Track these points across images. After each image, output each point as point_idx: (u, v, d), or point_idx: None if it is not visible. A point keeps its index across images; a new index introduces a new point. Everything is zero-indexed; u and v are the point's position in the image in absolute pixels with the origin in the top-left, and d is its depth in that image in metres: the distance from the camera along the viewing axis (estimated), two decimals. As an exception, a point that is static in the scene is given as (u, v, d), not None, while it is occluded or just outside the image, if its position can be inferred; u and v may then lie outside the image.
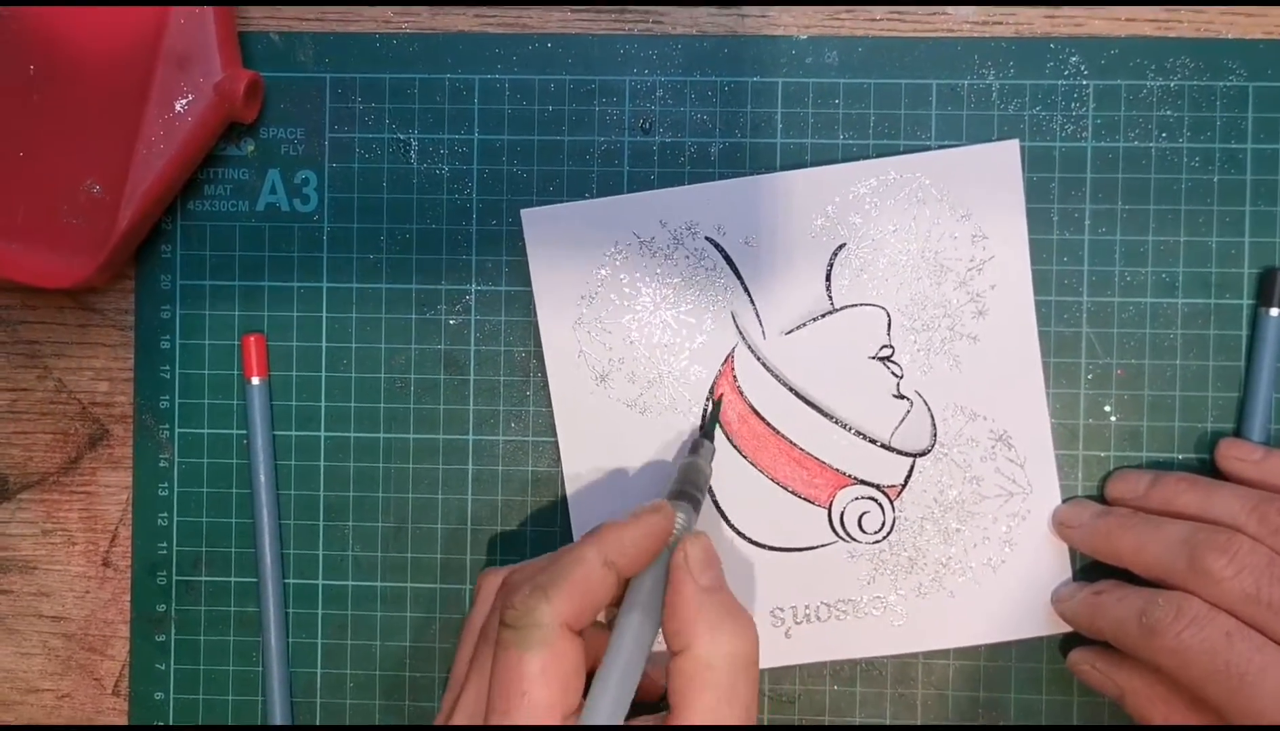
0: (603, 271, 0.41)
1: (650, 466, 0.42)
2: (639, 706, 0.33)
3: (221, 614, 0.43)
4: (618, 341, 0.42)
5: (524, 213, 0.41)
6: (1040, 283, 0.41)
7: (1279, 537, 0.35)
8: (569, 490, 0.42)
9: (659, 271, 0.41)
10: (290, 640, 0.43)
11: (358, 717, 0.43)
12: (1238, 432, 0.41)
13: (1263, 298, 0.41)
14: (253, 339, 0.42)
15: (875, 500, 0.41)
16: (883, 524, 0.41)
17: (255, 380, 0.42)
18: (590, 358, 0.42)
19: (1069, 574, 0.41)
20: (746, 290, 0.41)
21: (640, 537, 0.34)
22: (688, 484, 0.38)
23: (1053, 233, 0.41)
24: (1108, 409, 0.41)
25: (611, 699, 0.32)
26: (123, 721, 0.43)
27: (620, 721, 0.32)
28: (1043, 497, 0.41)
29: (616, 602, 0.35)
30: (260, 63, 0.42)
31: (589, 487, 0.42)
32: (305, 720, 0.43)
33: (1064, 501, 0.41)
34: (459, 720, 0.34)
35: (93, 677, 0.44)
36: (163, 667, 0.43)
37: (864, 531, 0.41)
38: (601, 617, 0.34)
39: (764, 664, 0.39)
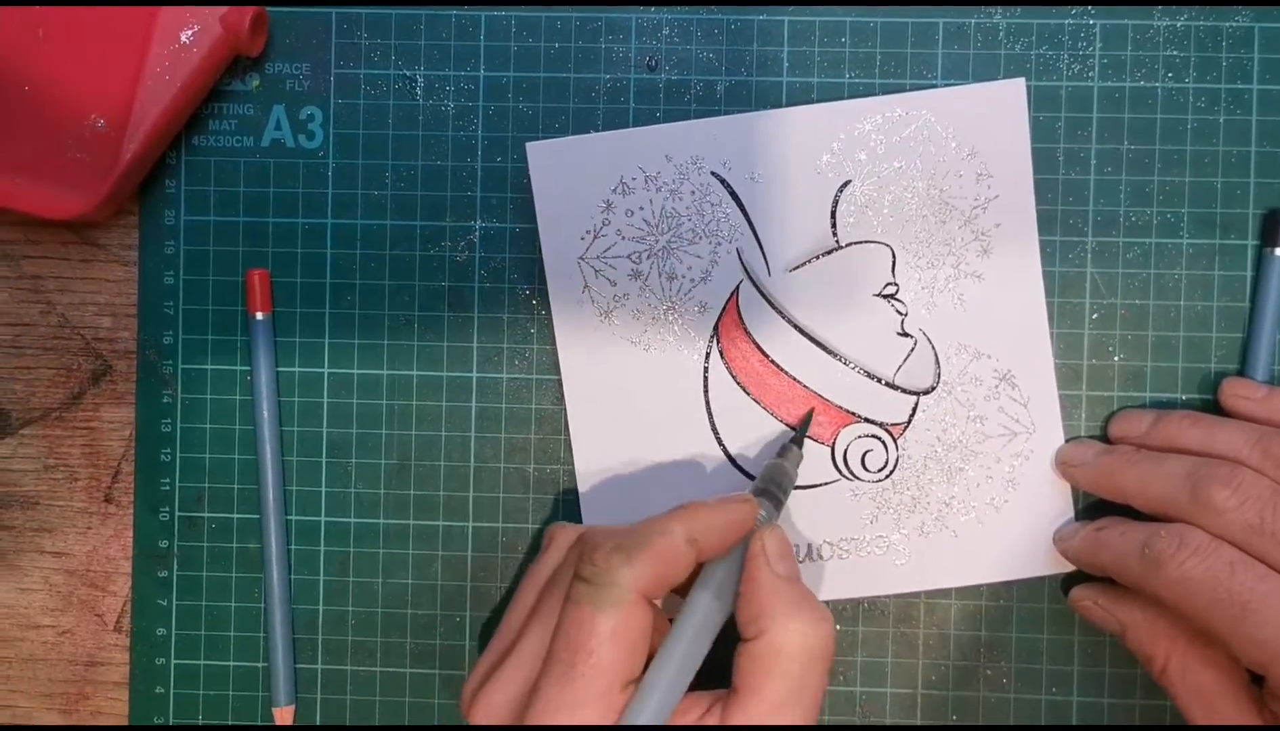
0: (608, 207, 0.41)
1: (654, 403, 0.42)
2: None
3: (224, 550, 0.43)
4: (622, 277, 0.42)
5: (529, 146, 0.41)
6: (1045, 222, 0.41)
7: None
8: (572, 427, 0.42)
9: (664, 207, 0.41)
10: (292, 576, 0.43)
11: (359, 654, 0.43)
12: (1241, 372, 0.41)
13: (1267, 238, 0.41)
14: (257, 274, 0.42)
15: (879, 438, 0.41)
16: (886, 462, 0.41)
17: (259, 315, 0.42)
18: (594, 293, 0.42)
19: (1071, 513, 0.41)
20: (752, 226, 0.41)
21: (725, 523, 0.35)
22: (771, 483, 0.38)
23: (1058, 172, 0.41)
24: (1111, 349, 0.41)
25: (675, 670, 0.33)
26: (124, 658, 0.43)
27: (678, 696, 0.33)
28: (1046, 437, 0.41)
29: (683, 589, 0.35)
30: (266, -3, 0.42)
31: (593, 425, 0.42)
32: (306, 657, 0.43)
33: (1067, 441, 0.41)
34: (512, 667, 0.34)
35: (94, 613, 0.44)
36: (164, 603, 0.43)
37: (867, 469, 0.41)
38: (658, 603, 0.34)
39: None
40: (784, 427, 0.41)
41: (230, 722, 0.43)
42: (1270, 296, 0.41)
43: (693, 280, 0.41)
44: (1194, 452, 0.38)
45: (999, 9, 0.41)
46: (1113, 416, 0.41)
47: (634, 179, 0.41)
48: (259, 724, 0.43)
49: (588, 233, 0.41)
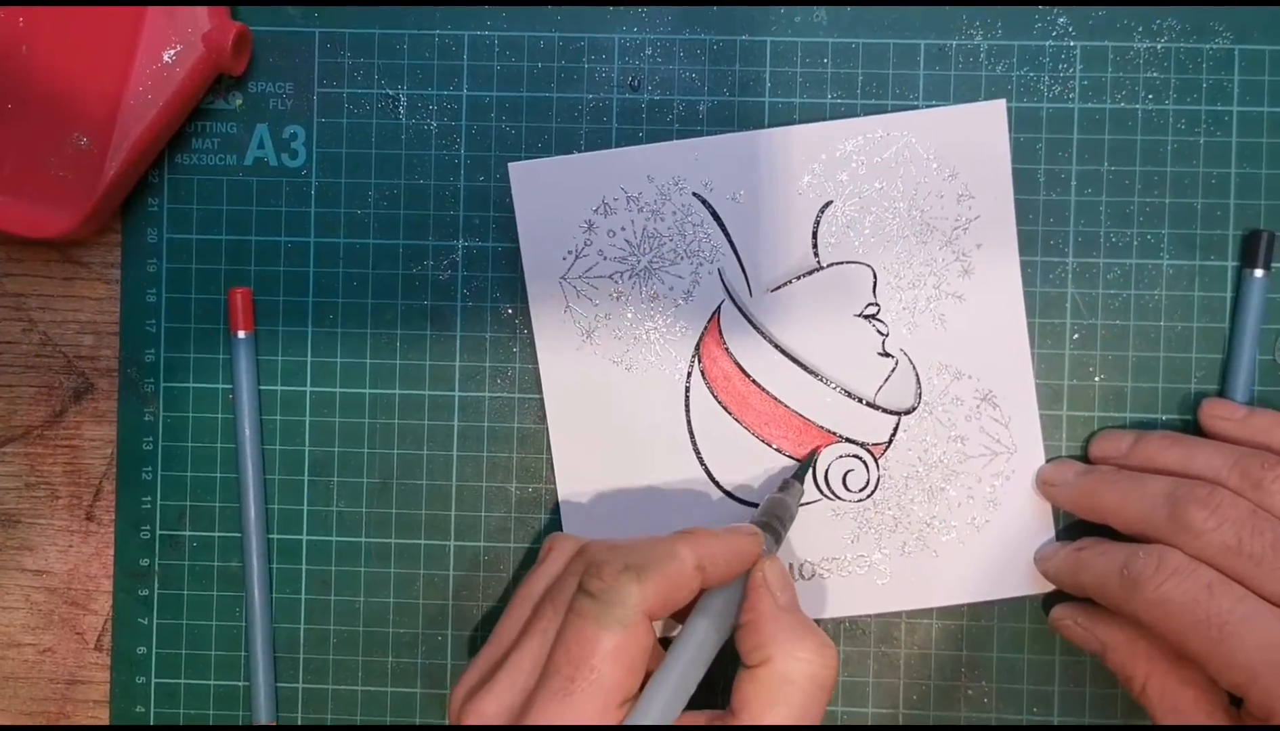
0: (589, 227, 0.41)
1: (635, 422, 0.42)
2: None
3: (205, 568, 0.43)
4: (604, 297, 0.42)
5: (511, 167, 0.41)
6: (1026, 243, 0.41)
7: (1260, 491, 0.36)
8: (554, 445, 0.42)
9: (646, 227, 0.41)
10: (274, 595, 0.43)
11: (340, 673, 0.43)
12: (1221, 393, 0.41)
13: (1247, 259, 0.41)
14: (239, 293, 0.42)
15: (860, 458, 0.41)
16: (867, 482, 0.41)
17: (241, 334, 0.42)
18: (576, 313, 0.42)
19: (1052, 533, 0.41)
20: (733, 247, 0.41)
21: (732, 552, 0.35)
22: (773, 517, 0.38)
23: (1039, 193, 0.42)
24: (1092, 369, 0.42)
25: (671, 691, 0.33)
26: (104, 677, 0.43)
27: (674, 717, 0.33)
28: (1027, 457, 0.41)
29: (680, 615, 0.36)
30: (249, 17, 0.42)
31: (574, 443, 0.42)
32: (288, 676, 0.43)
33: (1048, 461, 0.41)
34: (507, 677, 0.34)
35: (75, 632, 0.43)
36: (145, 622, 0.43)
37: (848, 489, 0.41)
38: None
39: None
40: (764, 447, 0.42)
41: (211, 741, 0.43)
42: (1249, 317, 0.41)
43: (675, 300, 0.42)
44: (1173, 473, 0.38)
45: (980, 29, 0.41)
46: (1093, 437, 0.41)
47: (615, 199, 0.41)
48: (252, 724, 0.43)
49: (569, 253, 0.41)
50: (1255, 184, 0.41)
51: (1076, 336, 0.42)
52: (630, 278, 0.42)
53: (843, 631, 0.42)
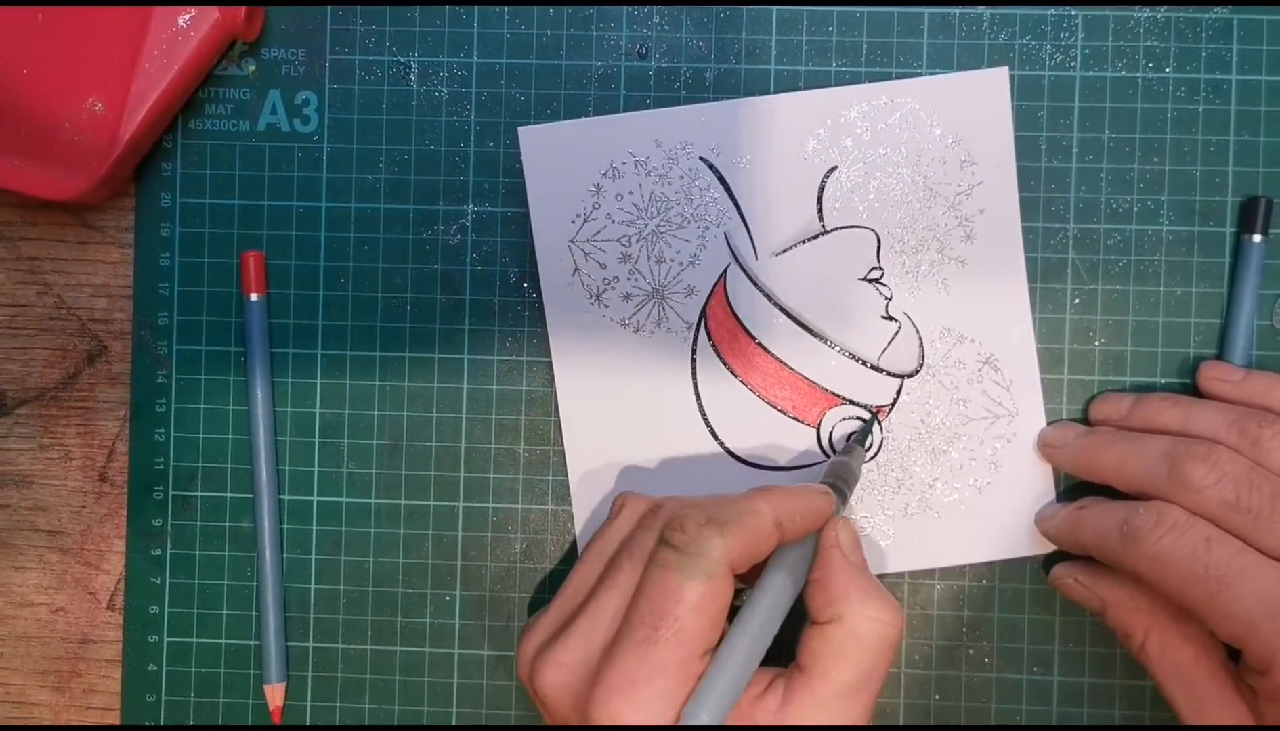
0: (598, 190, 0.42)
1: (643, 385, 0.42)
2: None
3: (217, 529, 0.44)
4: (612, 260, 0.42)
5: (521, 130, 0.42)
6: (1028, 209, 0.42)
7: (1258, 449, 0.36)
8: (563, 408, 0.42)
9: (653, 192, 0.42)
10: (285, 555, 0.43)
11: (350, 632, 0.43)
12: (1219, 357, 0.42)
13: (1245, 224, 0.42)
14: (251, 256, 0.43)
15: (863, 420, 0.42)
16: (870, 444, 0.42)
17: (254, 296, 0.43)
18: (584, 276, 0.42)
19: (1053, 496, 0.42)
20: (739, 211, 0.42)
21: (808, 510, 0.36)
22: (839, 479, 0.39)
23: (1041, 160, 0.42)
24: (1093, 333, 0.42)
25: (750, 642, 0.34)
26: (117, 635, 0.44)
27: (752, 669, 0.33)
28: (1028, 420, 0.42)
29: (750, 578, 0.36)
30: (262, -16, 0.43)
31: (582, 405, 0.42)
32: (298, 635, 0.43)
33: (1049, 424, 0.42)
34: (584, 629, 0.34)
35: (88, 591, 0.44)
36: (158, 582, 0.44)
37: None
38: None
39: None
40: (769, 409, 0.42)
41: (221, 700, 0.44)
42: (1248, 282, 0.41)
43: (681, 263, 0.42)
44: (1173, 433, 0.38)
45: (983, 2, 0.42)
46: (1093, 400, 0.42)
47: (623, 163, 0.42)
48: (253, 724, 0.43)
49: (578, 216, 0.42)
50: (1254, 151, 0.42)
51: (1077, 301, 0.42)
52: (638, 241, 0.42)
53: (846, 591, 0.43)
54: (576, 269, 0.42)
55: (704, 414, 0.42)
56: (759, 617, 0.34)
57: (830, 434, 0.42)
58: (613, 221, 0.42)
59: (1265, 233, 0.41)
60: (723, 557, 0.33)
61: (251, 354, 0.43)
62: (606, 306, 0.42)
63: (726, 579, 0.33)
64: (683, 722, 0.32)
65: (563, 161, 0.42)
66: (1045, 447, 0.41)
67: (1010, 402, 0.42)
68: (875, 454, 0.42)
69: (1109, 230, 0.42)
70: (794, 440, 0.42)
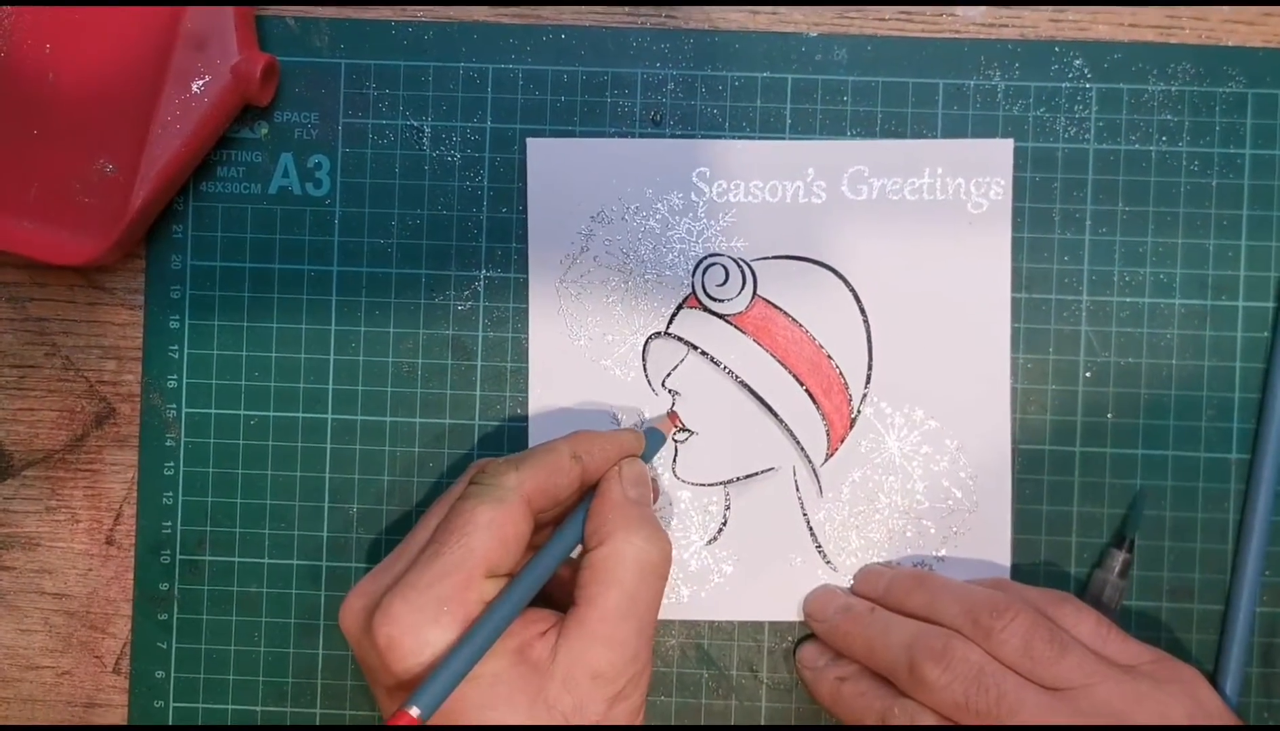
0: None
1: (616, 426, 0.42)
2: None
3: (224, 593, 0.43)
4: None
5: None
6: (1041, 280, 0.42)
7: (990, 641, 0.37)
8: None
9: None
10: (294, 620, 0.43)
11: (358, 699, 0.43)
12: (1256, 434, 0.42)
13: None
14: None
15: (725, 268, 0.42)
16: (726, 281, 0.42)
17: None
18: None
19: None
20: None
21: (608, 442, 0.38)
22: (656, 425, 0.42)
23: (1054, 232, 0.42)
24: (1105, 405, 0.42)
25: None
26: (123, 700, 0.44)
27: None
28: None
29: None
30: (276, 47, 0.43)
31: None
32: (304, 698, 0.43)
33: (816, 589, 0.42)
34: (386, 563, 0.36)
35: (93, 655, 0.44)
36: (164, 646, 0.43)
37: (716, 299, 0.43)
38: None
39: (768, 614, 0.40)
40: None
41: (228, 766, 0.43)
42: None
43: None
44: (920, 617, 0.39)
45: (997, 71, 0.42)
46: (859, 573, 0.42)
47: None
48: (257, 724, 0.43)
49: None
50: (1267, 225, 0.42)
51: (1089, 374, 0.42)
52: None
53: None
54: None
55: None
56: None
57: (704, 280, 0.43)
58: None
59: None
60: (516, 486, 0.35)
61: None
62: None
63: (520, 508, 0.35)
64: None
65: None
66: (808, 619, 0.42)
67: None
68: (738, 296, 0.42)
69: (1121, 303, 0.42)
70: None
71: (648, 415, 0.43)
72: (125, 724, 0.44)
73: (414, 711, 0.31)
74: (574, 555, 0.37)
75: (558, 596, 0.38)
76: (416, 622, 0.33)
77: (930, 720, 0.37)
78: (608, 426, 0.42)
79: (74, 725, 0.44)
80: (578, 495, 0.38)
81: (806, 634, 0.42)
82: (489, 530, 0.34)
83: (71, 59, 0.42)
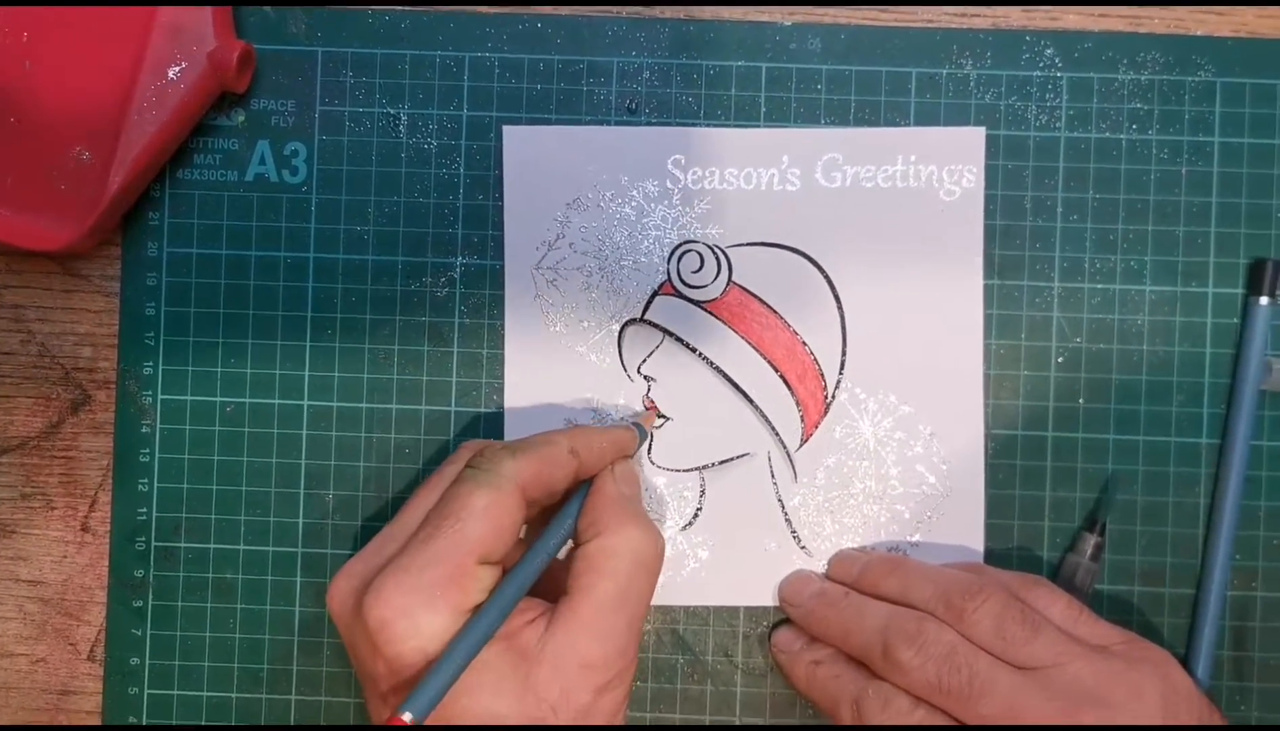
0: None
1: (592, 412, 0.43)
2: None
3: (200, 580, 0.43)
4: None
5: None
6: (1013, 267, 0.42)
7: (963, 623, 0.37)
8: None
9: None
10: (270, 607, 0.43)
11: (333, 685, 0.43)
12: (1226, 420, 0.42)
13: (1253, 286, 0.42)
14: None
15: (700, 254, 0.43)
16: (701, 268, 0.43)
17: None
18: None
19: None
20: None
21: (605, 439, 0.38)
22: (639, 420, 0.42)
23: (1026, 219, 0.43)
24: (1076, 391, 0.42)
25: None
26: (98, 687, 0.43)
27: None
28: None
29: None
30: (253, 35, 0.43)
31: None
32: (279, 684, 0.43)
33: (792, 574, 0.43)
34: (376, 543, 0.36)
35: (68, 642, 0.44)
36: (139, 633, 0.43)
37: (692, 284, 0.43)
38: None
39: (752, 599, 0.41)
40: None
41: (203, 753, 0.43)
42: (1254, 344, 0.42)
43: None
44: (894, 600, 0.39)
45: (970, 59, 0.42)
46: (833, 558, 0.43)
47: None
48: (251, 723, 0.43)
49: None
50: (1235, 213, 0.42)
51: (1061, 359, 0.43)
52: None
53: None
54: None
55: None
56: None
57: (679, 266, 0.43)
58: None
59: (1273, 295, 0.42)
60: (513, 474, 0.35)
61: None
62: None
63: (515, 496, 0.35)
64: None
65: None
66: (783, 604, 0.42)
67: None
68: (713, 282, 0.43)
69: (1092, 289, 0.43)
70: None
71: (623, 401, 0.43)
72: (101, 718, 0.43)
73: (406, 717, 0.31)
74: (559, 556, 0.38)
75: (539, 587, 0.38)
76: (409, 606, 0.33)
77: (904, 702, 0.37)
78: (585, 414, 0.43)
79: (59, 726, 0.44)
80: (570, 489, 0.38)
81: (781, 618, 0.43)
82: (484, 516, 0.34)
83: (48, 47, 0.42)
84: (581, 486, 0.38)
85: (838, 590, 0.41)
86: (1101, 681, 0.36)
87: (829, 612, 0.40)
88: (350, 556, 0.42)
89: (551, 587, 0.37)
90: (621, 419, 0.42)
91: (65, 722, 0.44)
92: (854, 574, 0.41)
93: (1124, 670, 0.36)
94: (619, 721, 0.36)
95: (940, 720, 0.36)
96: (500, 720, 0.33)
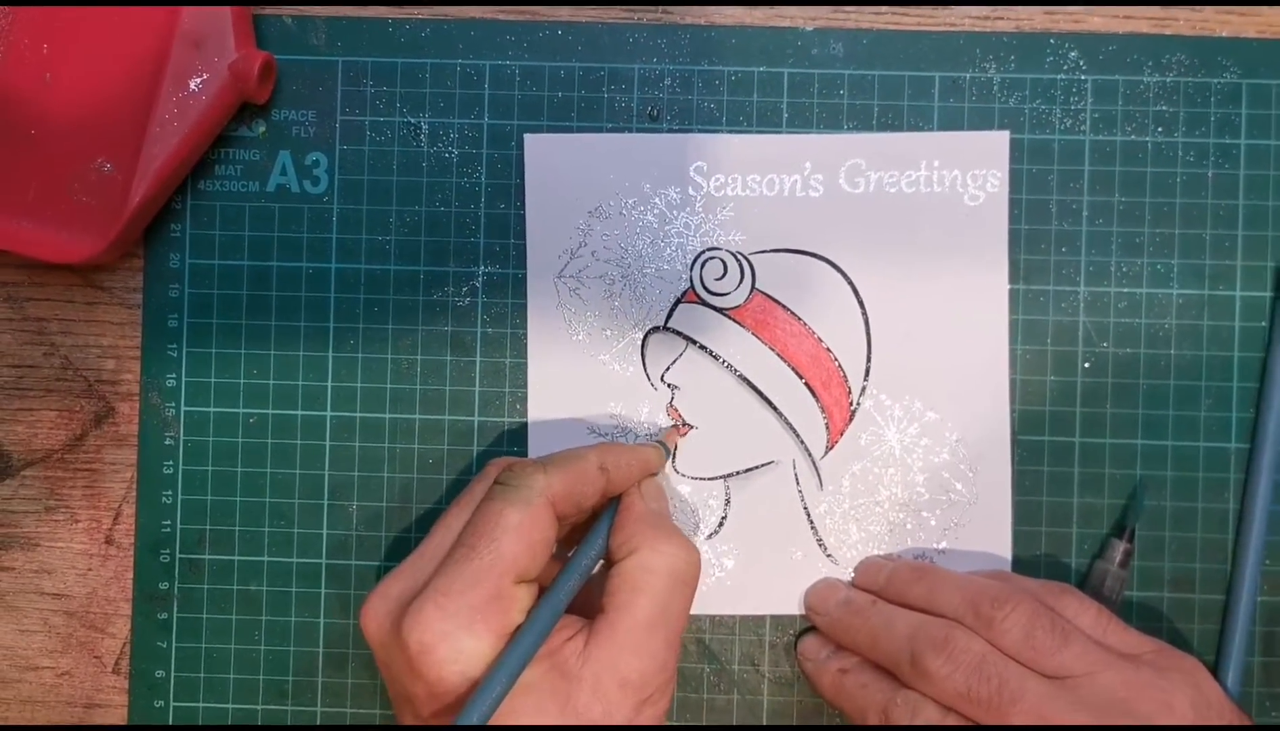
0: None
1: (613, 422, 0.42)
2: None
3: (224, 592, 0.43)
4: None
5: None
6: (1038, 272, 0.42)
7: (992, 631, 0.37)
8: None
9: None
10: (294, 619, 0.43)
11: (359, 697, 0.43)
12: (1255, 420, 0.42)
13: None
14: None
15: (723, 262, 0.43)
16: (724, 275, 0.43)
17: None
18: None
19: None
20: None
21: (633, 457, 0.38)
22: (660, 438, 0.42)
23: (1051, 223, 0.42)
24: (1103, 396, 0.42)
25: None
26: (123, 700, 0.43)
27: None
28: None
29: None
30: (274, 45, 0.43)
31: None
32: (304, 696, 0.43)
33: (818, 582, 0.42)
34: (411, 564, 0.36)
35: (93, 655, 0.44)
36: (164, 645, 0.43)
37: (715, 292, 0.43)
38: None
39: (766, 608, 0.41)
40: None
41: (229, 765, 0.43)
42: None
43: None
44: (921, 608, 0.39)
45: (993, 62, 0.42)
46: (859, 565, 0.42)
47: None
48: (260, 724, 0.43)
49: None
50: (1263, 215, 0.42)
51: (1088, 364, 0.42)
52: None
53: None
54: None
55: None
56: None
57: (702, 274, 0.43)
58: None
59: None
60: (544, 490, 0.35)
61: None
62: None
63: (546, 511, 0.35)
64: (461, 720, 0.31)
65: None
66: (809, 612, 0.42)
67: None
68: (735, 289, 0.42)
69: (1119, 294, 0.42)
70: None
71: (647, 410, 0.43)
72: (125, 724, 0.43)
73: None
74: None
75: (572, 605, 0.38)
76: (450, 630, 0.33)
77: (932, 711, 0.37)
78: (608, 422, 0.42)
79: (74, 725, 0.44)
80: (598, 507, 0.38)
81: (807, 627, 0.42)
82: (518, 533, 0.34)
83: (69, 58, 0.42)
84: (611, 503, 0.38)
85: (864, 598, 0.41)
86: (1132, 691, 0.35)
87: (855, 621, 0.40)
88: (376, 568, 0.42)
89: (583, 603, 0.37)
90: (649, 435, 0.42)
91: (91, 735, 0.44)
92: (880, 582, 0.41)
93: (1154, 679, 0.36)
94: None
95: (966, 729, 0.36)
96: None
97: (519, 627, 0.33)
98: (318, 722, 0.43)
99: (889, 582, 0.41)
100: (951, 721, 0.36)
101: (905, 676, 0.38)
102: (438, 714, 0.33)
